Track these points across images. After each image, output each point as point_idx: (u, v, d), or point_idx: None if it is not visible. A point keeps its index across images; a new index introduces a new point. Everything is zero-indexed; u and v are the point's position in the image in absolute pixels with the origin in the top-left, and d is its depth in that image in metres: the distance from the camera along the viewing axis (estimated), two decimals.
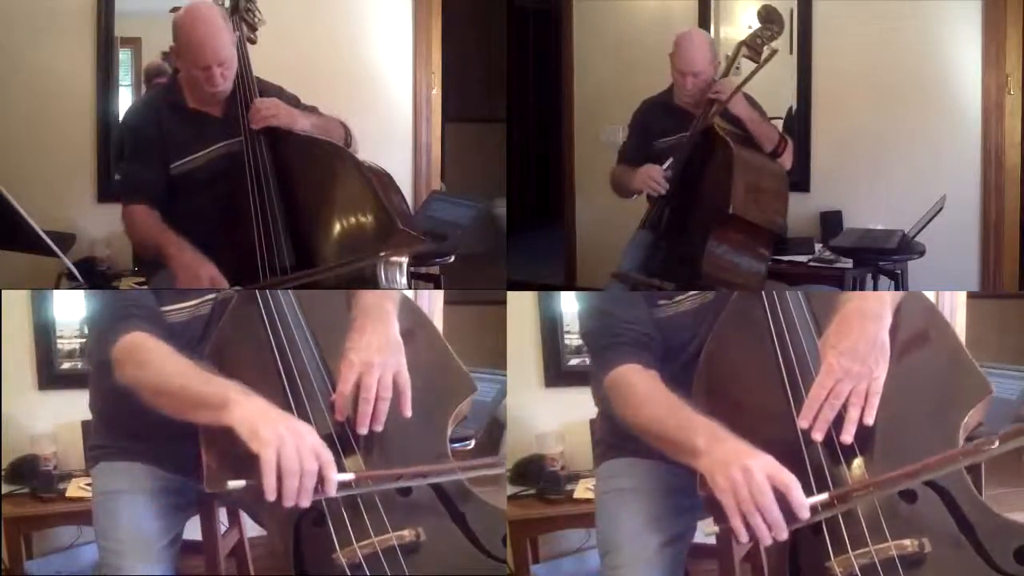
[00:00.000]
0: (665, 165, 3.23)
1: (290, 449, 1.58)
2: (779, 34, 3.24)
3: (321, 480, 1.60)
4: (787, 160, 3.24)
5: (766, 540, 1.54)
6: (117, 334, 1.83)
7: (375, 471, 1.76)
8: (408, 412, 1.82)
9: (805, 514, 1.54)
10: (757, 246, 3.05)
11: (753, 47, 3.22)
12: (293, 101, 2.73)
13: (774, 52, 3.21)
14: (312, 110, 2.74)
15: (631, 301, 1.97)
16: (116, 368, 1.81)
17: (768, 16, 3.21)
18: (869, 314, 1.70)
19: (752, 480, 1.53)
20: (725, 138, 3.09)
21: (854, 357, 1.67)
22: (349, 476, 1.68)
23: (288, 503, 1.58)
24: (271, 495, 1.57)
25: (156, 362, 1.78)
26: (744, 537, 1.54)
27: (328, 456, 1.62)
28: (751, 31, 3.27)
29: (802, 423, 1.67)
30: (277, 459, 1.57)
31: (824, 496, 1.58)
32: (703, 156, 3.15)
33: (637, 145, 3.42)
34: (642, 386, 1.80)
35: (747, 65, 3.27)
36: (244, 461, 1.59)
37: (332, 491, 1.62)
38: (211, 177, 2.58)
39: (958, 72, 4.16)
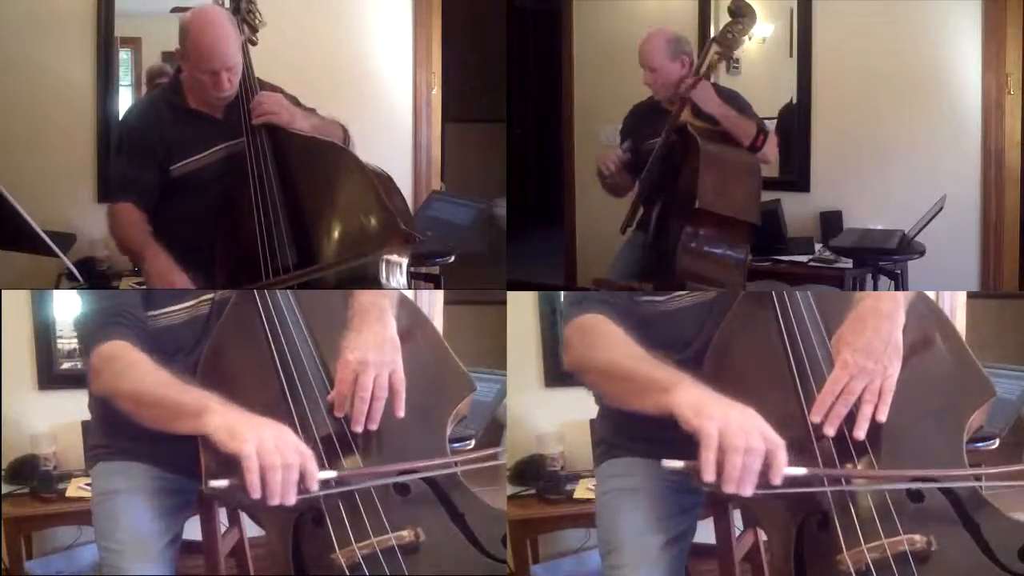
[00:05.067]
0: (623, 147, 3.33)
1: (269, 444, 1.58)
2: (750, 27, 3.23)
3: (303, 477, 1.60)
4: (770, 153, 3.23)
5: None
6: (96, 342, 1.84)
7: (368, 468, 1.76)
8: (401, 413, 1.82)
9: None
10: (732, 239, 3.07)
11: (724, 43, 3.22)
12: (293, 102, 2.72)
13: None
14: (311, 112, 2.74)
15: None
16: (94, 376, 1.83)
17: (738, 10, 3.20)
18: (884, 313, 1.71)
19: None
20: (694, 135, 3.11)
21: (869, 354, 1.68)
22: (332, 473, 1.67)
23: (272, 500, 1.57)
24: (255, 492, 1.56)
25: (134, 372, 1.78)
26: None
27: (309, 452, 1.62)
28: (723, 27, 3.27)
29: (814, 417, 1.68)
30: (257, 455, 1.56)
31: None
32: (680, 154, 3.17)
33: (628, 149, 3.45)
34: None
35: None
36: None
37: (315, 487, 1.62)
38: (212, 178, 2.57)
39: (958, 72, 4.16)
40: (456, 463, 1.77)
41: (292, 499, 1.59)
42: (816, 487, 1.63)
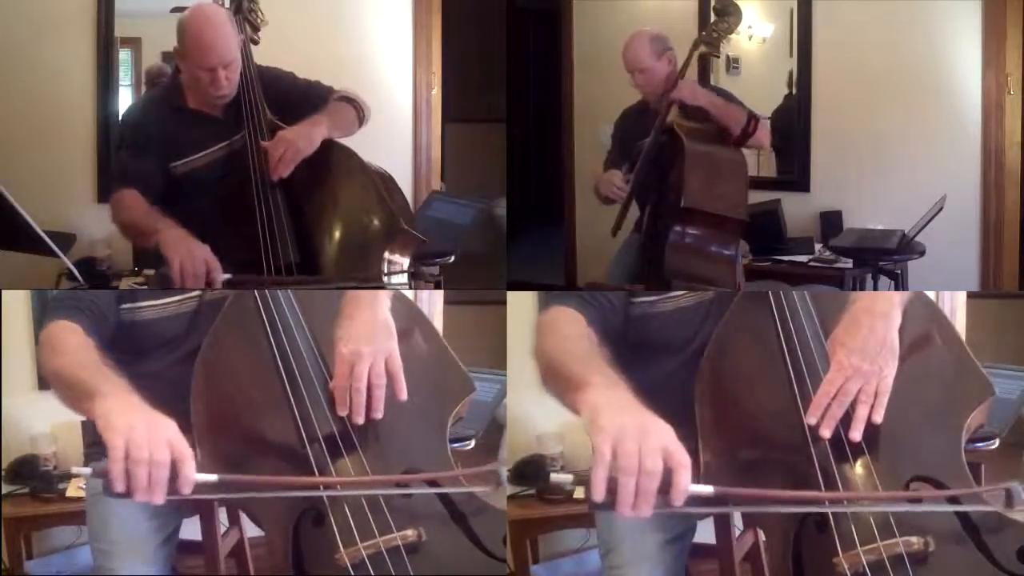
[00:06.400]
0: (623, 169, 3.28)
1: (139, 437, 1.51)
2: (736, 26, 3.22)
3: (176, 477, 1.53)
4: (764, 138, 3.23)
5: None
6: (45, 322, 1.84)
7: (367, 477, 1.76)
8: (403, 396, 1.81)
9: None
10: (721, 237, 3.07)
11: (710, 42, 3.22)
12: (289, 78, 2.72)
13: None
14: (308, 85, 2.74)
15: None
16: (39, 355, 1.83)
17: (723, 8, 3.20)
18: (879, 313, 1.71)
19: None
20: (680, 134, 3.11)
21: (864, 355, 1.68)
22: (212, 477, 1.59)
23: (137, 496, 1.51)
24: (118, 486, 1.51)
25: (68, 352, 1.77)
26: None
27: (185, 452, 1.54)
28: (708, 25, 3.27)
29: (810, 419, 1.68)
30: (125, 447, 1.51)
31: None
32: (669, 156, 3.16)
33: (618, 151, 3.46)
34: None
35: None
36: (238, 460, 1.58)
37: (187, 489, 1.54)
38: (213, 177, 2.56)
39: (958, 72, 4.17)
40: (459, 477, 1.77)
41: (160, 498, 1.52)
42: (725, 507, 1.60)
